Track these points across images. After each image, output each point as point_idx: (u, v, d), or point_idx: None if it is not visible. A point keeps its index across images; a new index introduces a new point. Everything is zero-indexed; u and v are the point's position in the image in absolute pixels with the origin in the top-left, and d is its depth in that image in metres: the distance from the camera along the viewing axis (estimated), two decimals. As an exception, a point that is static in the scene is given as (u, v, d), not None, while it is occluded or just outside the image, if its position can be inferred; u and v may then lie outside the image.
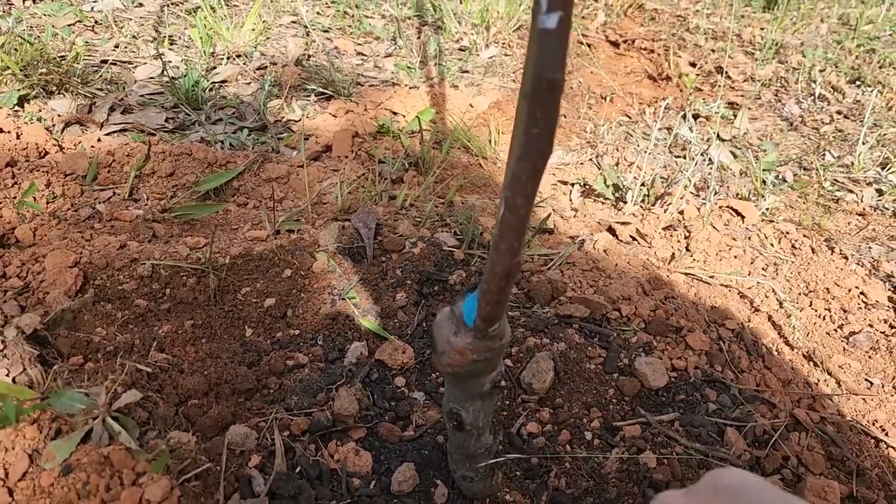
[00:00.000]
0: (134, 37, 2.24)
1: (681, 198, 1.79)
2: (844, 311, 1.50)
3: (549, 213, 1.67)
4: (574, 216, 1.78)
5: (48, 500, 0.82)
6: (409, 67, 2.37)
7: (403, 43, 2.52)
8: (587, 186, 1.94)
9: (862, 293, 1.55)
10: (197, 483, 0.90)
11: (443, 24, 2.69)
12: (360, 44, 2.51)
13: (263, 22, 2.45)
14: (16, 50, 1.86)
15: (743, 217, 1.82)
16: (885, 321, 1.48)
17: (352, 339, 1.21)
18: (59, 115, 1.77)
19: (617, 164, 2.13)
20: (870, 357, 1.40)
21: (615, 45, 3.04)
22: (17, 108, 1.75)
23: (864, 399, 1.29)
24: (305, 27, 2.51)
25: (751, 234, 1.75)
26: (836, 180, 2.10)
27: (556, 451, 1.05)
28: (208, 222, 1.53)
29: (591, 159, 2.16)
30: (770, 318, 1.46)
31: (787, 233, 1.76)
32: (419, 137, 1.86)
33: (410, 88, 2.19)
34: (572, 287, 1.37)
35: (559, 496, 0.99)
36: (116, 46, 2.17)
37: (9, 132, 1.60)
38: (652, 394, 1.17)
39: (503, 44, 2.66)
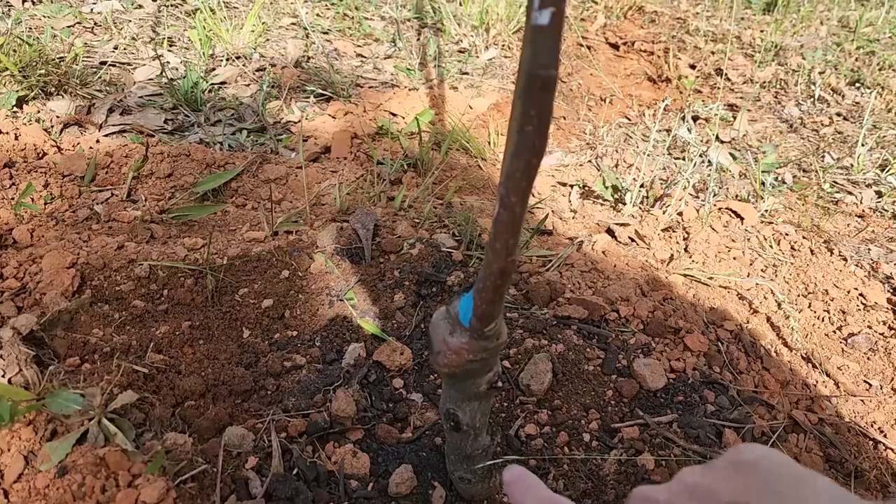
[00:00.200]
0: (133, 38, 2.24)
1: (680, 199, 1.79)
2: (843, 312, 1.50)
3: (548, 215, 1.67)
4: (573, 217, 1.78)
5: (44, 502, 0.82)
6: (408, 69, 2.37)
7: (403, 45, 2.52)
8: (586, 188, 1.94)
9: (861, 295, 1.55)
10: (193, 485, 0.89)
11: (442, 26, 2.69)
12: (359, 45, 2.51)
13: (263, 23, 2.45)
14: (15, 51, 1.86)
15: (742, 218, 1.82)
16: (884, 323, 1.48)
17: (350, 341, 1.21)
18: (57, 117, 1.77)
19: (616, 166, 2.13)
20: (868, 358, 1.40)
21: (615, 47, 3.04)
22: (15, 109, 1.75)
23: (862, 400, 1.28)
24: (305, 29, 2.51)
25: (750, 236, 1.75)
26: (835, 182, 2.09)
27: (554, 452, 1.04)
28: (206, 223, 1.53)
29: (590, 161, 2.16)
30: (769, 319, 1.46)
31: (786, 234, 1.76)
32: (418, 139, 1.86)
33: (410, 90, 2.19)
34: (571, 288, 1.37)
35: (557, 498, 0.99)
36: (115, 48, 2.17)
37: (7, 133, 1.60)
38: (650, 395, 1.17)
39: (503, 46, 2.66)
